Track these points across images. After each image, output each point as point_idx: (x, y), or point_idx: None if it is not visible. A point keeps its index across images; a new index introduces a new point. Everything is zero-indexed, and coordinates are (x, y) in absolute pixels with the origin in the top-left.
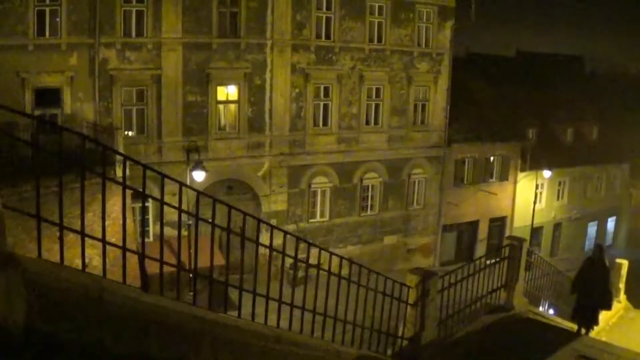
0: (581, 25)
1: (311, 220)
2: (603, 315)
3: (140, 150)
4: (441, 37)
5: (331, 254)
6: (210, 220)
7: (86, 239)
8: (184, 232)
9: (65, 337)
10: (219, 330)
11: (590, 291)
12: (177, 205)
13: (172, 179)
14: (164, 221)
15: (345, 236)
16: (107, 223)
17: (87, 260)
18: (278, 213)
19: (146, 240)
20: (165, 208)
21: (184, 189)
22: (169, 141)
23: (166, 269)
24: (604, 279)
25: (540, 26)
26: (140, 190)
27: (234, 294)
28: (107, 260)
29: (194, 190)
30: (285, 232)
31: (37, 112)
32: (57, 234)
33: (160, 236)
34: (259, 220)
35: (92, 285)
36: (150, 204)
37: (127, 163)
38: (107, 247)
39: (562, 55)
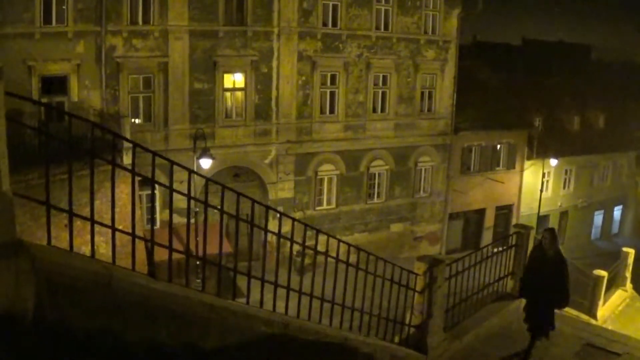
0: (588, 13)
1: (318, 208)
2: (610, 304)
3: (147, 138)
4: (448, 25)
5: (339, 241)
6: (218, 207)
7: (96, 226)
8: (192, 219)
9: (74, 324)
10: (228, 316)
11: (542, 288)
12: (184, 192)
13: (181, 166)
14: (174, 207)
15: (351, 224)
16: (115, 210)
17: (97, 247)
18: (284, 200)
19: (155, 227)
20: (173, 195)
21: (191, 176)
22: (176, 129)
23: (174, 255)
24: (560, 272)
25: (547, 14)
26: (149, 177)
27: (241, 281)
28: (118, 245)
29: (204, 177)
30: (294, 219)
31: (43, 100)
32: (65, 221)
33: (169, 223)
34: (267, 207)
35: (101, 272)
36: (157, 191)
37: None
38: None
39: (569, 43)
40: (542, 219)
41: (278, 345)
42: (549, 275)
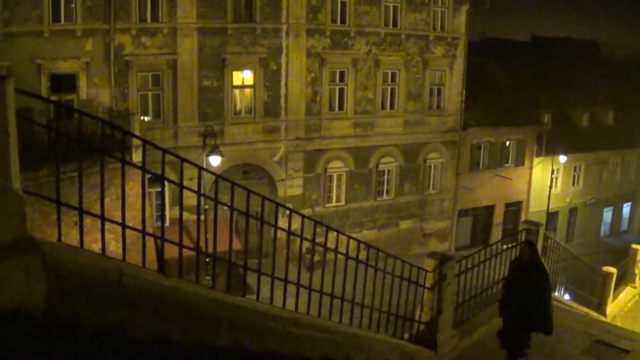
0: (596, 9)
1: (327, 205)
2: (619, 301)
3: (156, 135)
4: (457, 21)
5: (349, 237)
6: (228, 204)
7: (106, 224)
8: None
9: (84, 320)
10: (238, 313)
11: (521, 308)
12: (194, 189)
13: (192, 163)
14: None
15: (361, 221)
16: (125, 207)
17: (106, 245)
18: (294, 197)
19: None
20: (184, 192)
21: (200, 173)
22: (185, 126)
23: (183, 252)
24: (540, 288)
25: (556, 10)
26: (159, 174)
27: (251, 279)
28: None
29: (213, 174)
30: (304, 216)
31: (53, 98)
32: (74, 219)
33: (180, 220)
34: (277, 204)
35: (111, 268)
36: (167, 188)
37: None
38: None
39: (577, 39)
40: (551, 215)
41: (288, 342)
42: (528, 292)
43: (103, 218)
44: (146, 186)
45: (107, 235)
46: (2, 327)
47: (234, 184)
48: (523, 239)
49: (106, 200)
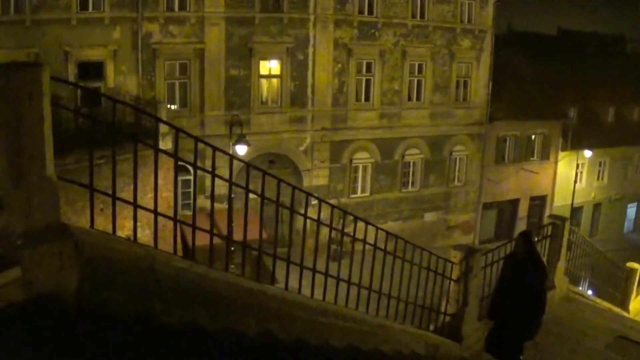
0: (623, 4)
1: (352, 196)
2: None
3: (183, 124)
4: (484, 13)
5: (377, 228)
6: (258, 193)
7: (131, 211)
8: (225, 205)
9: (116, 306)
10: (267, 301)
11: (514, 307)
12: (220, 177)
13: (223, 152)
14: (206, 194)
15: (385, 212)
16: (150, 196)
17: (131, 232)
18: (319, 188)
19: (189, 212)
20: (208, 180)
21: (225, 162)
22: (212, 115)
23: (209, 241)
24: (536, 285)
25: (582, 4)
26: (191, 162)
27: (277, 268)
28: (149, 232)
29: (244, 162)
30: (333, 206)
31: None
32: (101, 206)
33: (211, 208)
34: (307, 194)
35: (143, 255)
36: (192, 176)
37: (172, 136)
38: (148, 219)
39: (604, 34)
40: (575, 210)
41: (316, 331)
42: (524, 291)
43: (135, 205)
44: (173, 174)
45: (134, 223)
46: (35, 313)
47: (265, 172)
48: (549, 233)
49: (133, 188)
